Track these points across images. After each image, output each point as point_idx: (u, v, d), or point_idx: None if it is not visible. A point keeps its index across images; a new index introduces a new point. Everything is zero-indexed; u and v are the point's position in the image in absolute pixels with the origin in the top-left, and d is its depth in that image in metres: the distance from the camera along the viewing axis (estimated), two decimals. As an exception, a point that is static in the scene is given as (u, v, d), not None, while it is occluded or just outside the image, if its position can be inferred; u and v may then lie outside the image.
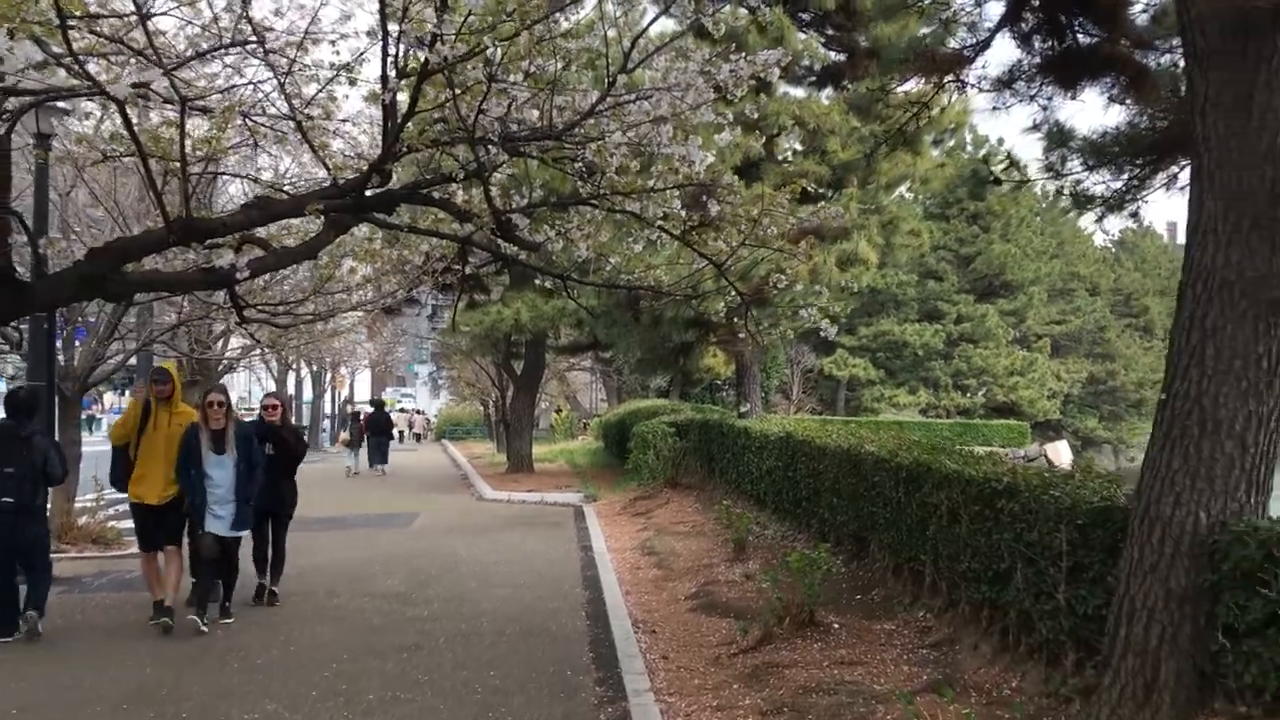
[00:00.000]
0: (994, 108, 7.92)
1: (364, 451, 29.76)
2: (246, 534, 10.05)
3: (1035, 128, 8.93)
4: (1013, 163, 8.29)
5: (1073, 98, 7.73)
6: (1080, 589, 5.96)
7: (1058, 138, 8.83)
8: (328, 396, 54.49)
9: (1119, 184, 8.54)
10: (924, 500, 8.56)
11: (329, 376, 50.37)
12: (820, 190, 16.69)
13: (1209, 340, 5.34)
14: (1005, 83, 7.75)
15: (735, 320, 9.51)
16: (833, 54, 18.63)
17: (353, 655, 8.53)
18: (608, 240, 9.03)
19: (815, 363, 51.97)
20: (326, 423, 52.35)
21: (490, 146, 7.31)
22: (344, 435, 37.50)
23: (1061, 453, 49.84)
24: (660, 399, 37.95)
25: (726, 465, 17.27)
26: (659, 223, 7.60)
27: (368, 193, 7.54)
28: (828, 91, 18.79)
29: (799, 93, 18.32)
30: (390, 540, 15.22)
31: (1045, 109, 7.75)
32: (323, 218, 7.52)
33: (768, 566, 11.65)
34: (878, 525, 9.79)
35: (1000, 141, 58.47)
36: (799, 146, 17.67)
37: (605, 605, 10.50)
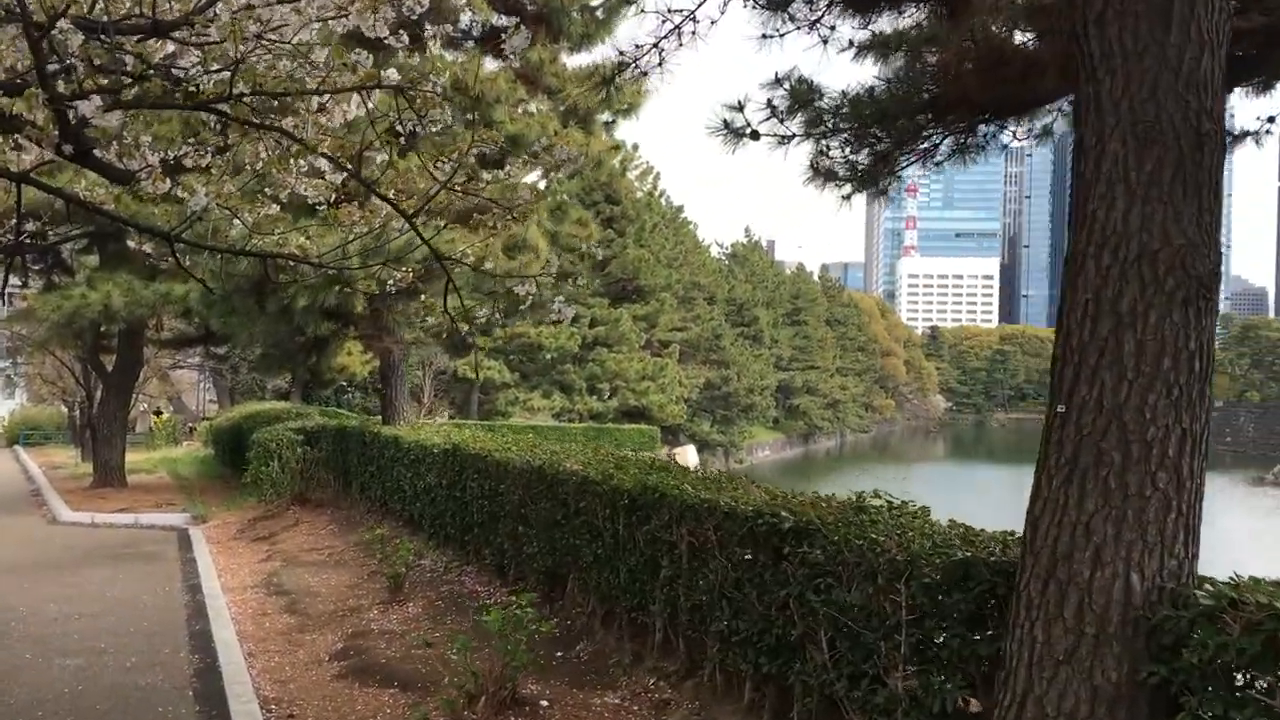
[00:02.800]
0: (764, 35, 6.28)
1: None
2: None
3: (778, 82, 7.38)
4: (774, 112, 6.74)
5: (864, 26, 6.26)
6: (932, 674, 4.31)
7: (803, 94, 7.32)
8: None
9: (873, 152, 7.18)
10: (655, 536, 6.76)
11: None
12: (482, 169, 14.63)
13: (1127, 331, 3.86)
14: (780, 3, 6.13)
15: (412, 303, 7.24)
16: (495, 18, 16.68)
17: None
18: (236, 191, 6.54)
19: (448, 365, 49.69)
20: None
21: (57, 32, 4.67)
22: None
23: (689, 456, 50.95)
24: (280, 401, 34.27)
25: (369, 480, 14.79)
26: (321, 150, 5.23)
27: None
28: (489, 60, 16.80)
29: (459, 56, 16.17)
30: (-85, 589, 11.42)
31: (826, 41, 6.22)
32: None
33: (434, 610, 9.49)
34: (583, 562, 7.89)
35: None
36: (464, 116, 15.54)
37: (222, 677, 7.87)
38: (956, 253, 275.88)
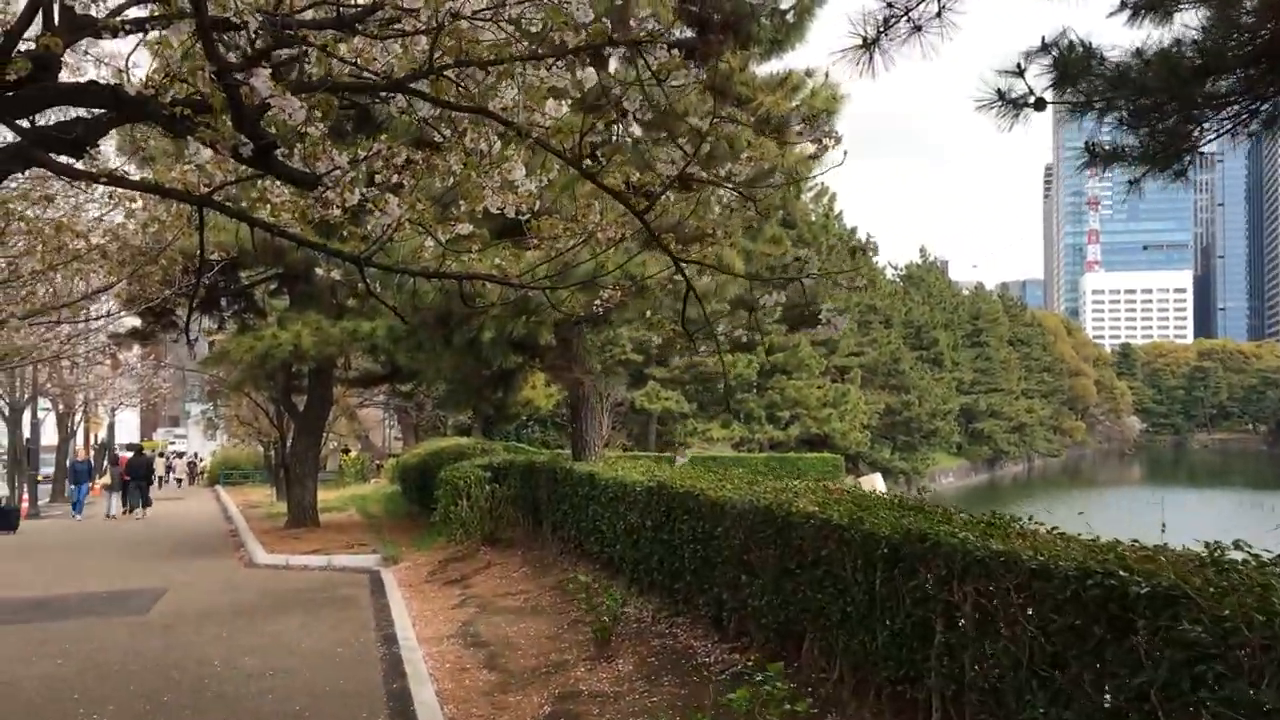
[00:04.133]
0: (1059, -25, 5.18)
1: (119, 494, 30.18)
2: None
3: (1045, 49, 6.20)
4: (1064, 75, 5.56)
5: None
6: None
7: (1078, 61, 6.10)
8: (80, 439, 47.89)
9: (1180, 119, 5.89)
10: (924, 593, 5.59)
11: (78, 416, 43.86)
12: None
13: None
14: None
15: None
16: (678, 32, 15.92)
17: None
18: (426, 207, 5.79)
19: (626, 396, 49.26)
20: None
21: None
22: (103, 480, 34.12)
23: (877, 485, 48.96)
24: (462, 437, 34.31)
25: (562, 519, 14.02)
26: (534, 135, 4.35)
27: None
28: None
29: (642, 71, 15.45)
30: (113, 638, 11.13)
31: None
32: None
33: (647, 669, 8.50)
34: (826, 621, 6.76)
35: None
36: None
37: (424, 747, 7.08)
38: (1144, 266, 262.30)
